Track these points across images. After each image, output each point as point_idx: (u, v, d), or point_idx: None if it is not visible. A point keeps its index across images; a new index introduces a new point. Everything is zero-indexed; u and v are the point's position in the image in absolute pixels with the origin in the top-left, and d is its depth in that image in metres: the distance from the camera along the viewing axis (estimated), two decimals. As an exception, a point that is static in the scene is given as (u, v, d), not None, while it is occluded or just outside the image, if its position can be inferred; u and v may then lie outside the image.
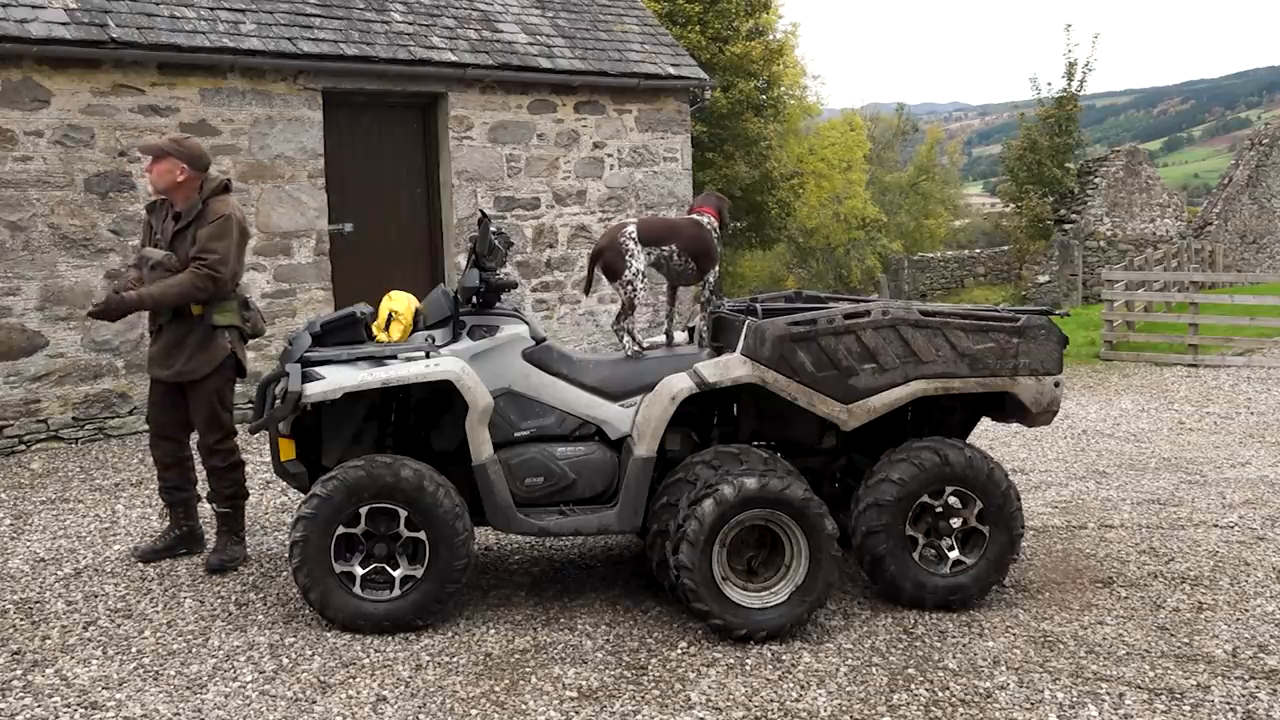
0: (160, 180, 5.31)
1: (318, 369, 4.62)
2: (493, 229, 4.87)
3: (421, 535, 4.58)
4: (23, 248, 8.29)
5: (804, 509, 4.48)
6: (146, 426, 5.79)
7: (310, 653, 4.42)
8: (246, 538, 5.66)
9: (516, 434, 4.89)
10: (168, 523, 5.71)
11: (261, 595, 5.09)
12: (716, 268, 5.25)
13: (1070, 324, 10.07)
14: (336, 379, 4.57)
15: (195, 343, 5.30)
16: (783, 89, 25.80)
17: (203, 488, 5.62)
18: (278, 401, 4.60)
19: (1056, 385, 4.99)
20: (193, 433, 5.51)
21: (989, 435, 8.42)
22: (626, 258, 5.02)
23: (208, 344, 5.30)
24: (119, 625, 4.72)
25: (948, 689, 4.10)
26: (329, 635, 4.56)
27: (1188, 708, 3.95)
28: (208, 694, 4.07)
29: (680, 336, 5.49)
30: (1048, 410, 5.03)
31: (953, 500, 4.87)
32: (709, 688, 4.11)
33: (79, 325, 8.50)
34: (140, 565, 5.47)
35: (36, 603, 5.01)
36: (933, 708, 3.96)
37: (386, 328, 4.92)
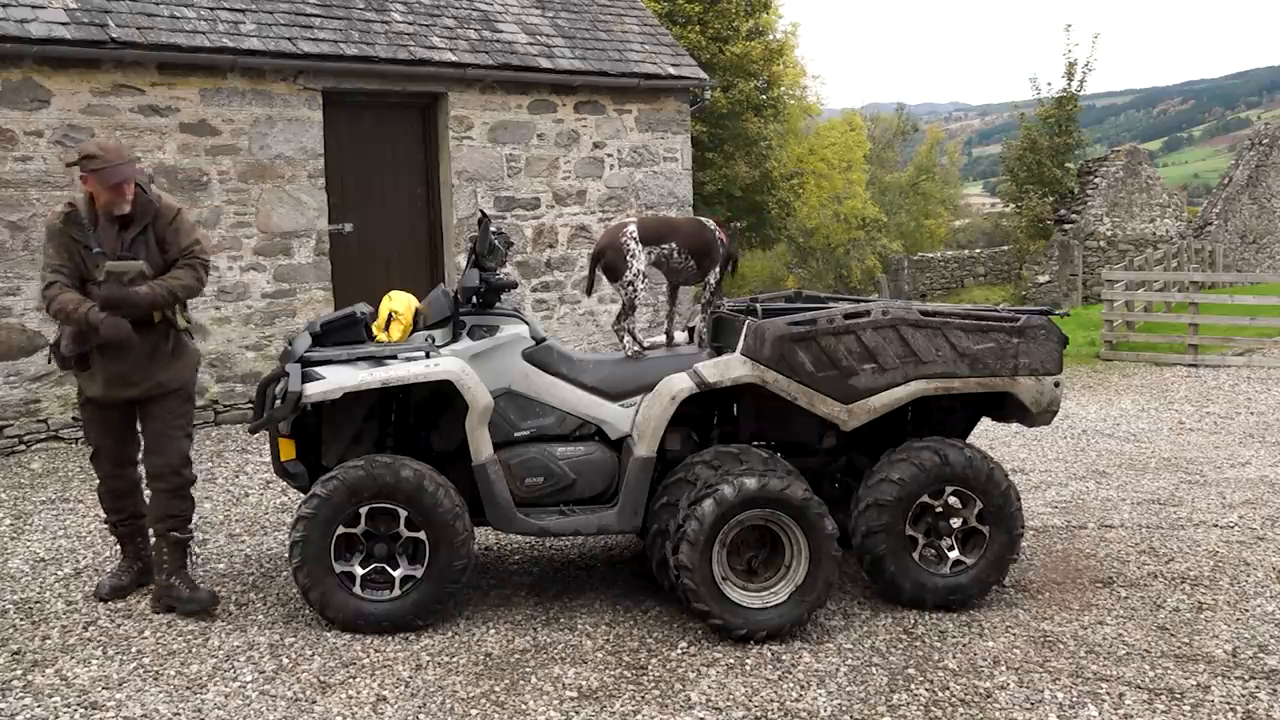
0: (131, 194, 4.74)
1: (318, 369, 4.62)
2: (493, 229, 4.87)
3: (421, 535, 4.58)
4: (23, 248, 8.29)
5: (804, 509, 4.48)
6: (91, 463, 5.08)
7: (310, 653, 4.42)
8: (246, 538, 5.65)
9: (516, 434, 4.89)
10: (123, 558, 5.15)
11: (261, 595, 5.09)
12: (717, 268, 5.25)
13: (1070, 324, 10.07)
14: (336, 379, 4.57)
15: (169, 350, 4.84)
16: (783, 89, 25.81)
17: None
18: (278, 401, 4.59)
19: (1056, 385, 4.99)
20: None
21: (989, 435, 8.42)
22: (628, 258, 5.02)
23: (181, 350, 4.90)
24: (119, 625, 4.72)
25: (948, 689, 4.10)
26: (329, 635, 4.56)
27: (1188, 708, 3.95)
28: (208, 694, 4.07)
29: (680, 336, 5.49)
30: (1048, 410, 5.03)
31: (953, 500, 4.87)
32: (709, 688, 4.11)
33: (79, 325, 8.49)
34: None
35: (36, 603, 5.01)
36: (933, 708, 3.96)
37: (386, 328, 4.92)
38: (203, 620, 4.75)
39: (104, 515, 5.16)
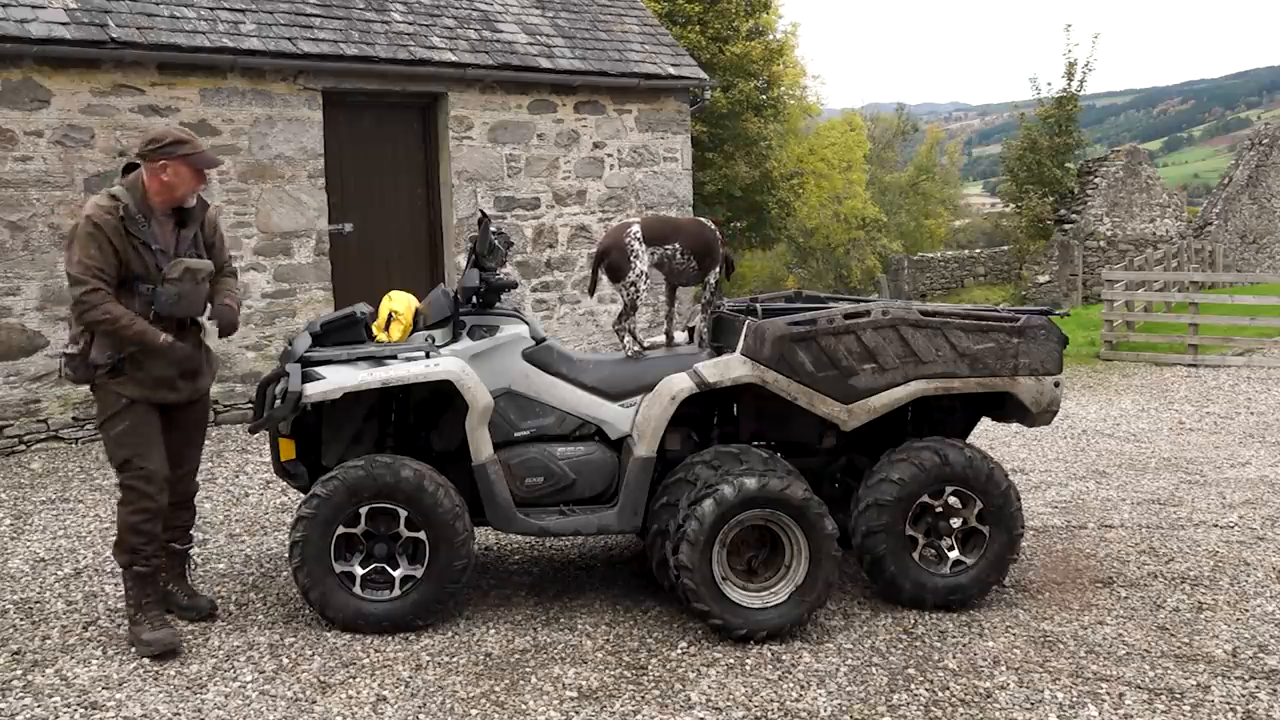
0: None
1: (318, 369, 4.61)
2: (493, 229, 4.87)
3: (421, 535, 4.58)
4: (23, 248, 8.29)
5: (804, 509, 4.48)
6: (150, 479, 4.41)
7: (310, 653, 4.42)
8: (246, 538, 5.64)
9: (516, 434, 4.89)
10: (155, 596, 4.55)
11: (261, 595, 5.08)
12: (718, 268, 5.26)
13: (1070, 324, 10.07)
14: (336, 379, 4.57)
15: (206, 352, 4.71)
16: (783, 89, 25.80)
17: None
18: (278, 401, 4.59)
19: (1056, 385, 4.99)
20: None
21: (989, 435, 8.42)
22: (631, 258, 5.02)
23: (210, 356, 4.78)
24: (119, 625, 4.72)
25: (948, 689, 4.10)
26: (329, 635, 4.56)
27: (1188, 708, 3.95)
28: (208, 694, 4.07)
29: (680, 336, 5.49)
30: (1048, 410, 5.03)
31: (953, 500, 4.87)
32: (709, 688, 4.11)
33: (79, 325, 8.49)
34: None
35: (36, 603, 5.01)
36: (933, 708, 3.96)
37: (386, 328, 4.92)
38: (203, 620, 4.75)
39: (143, 550, 4.41)
